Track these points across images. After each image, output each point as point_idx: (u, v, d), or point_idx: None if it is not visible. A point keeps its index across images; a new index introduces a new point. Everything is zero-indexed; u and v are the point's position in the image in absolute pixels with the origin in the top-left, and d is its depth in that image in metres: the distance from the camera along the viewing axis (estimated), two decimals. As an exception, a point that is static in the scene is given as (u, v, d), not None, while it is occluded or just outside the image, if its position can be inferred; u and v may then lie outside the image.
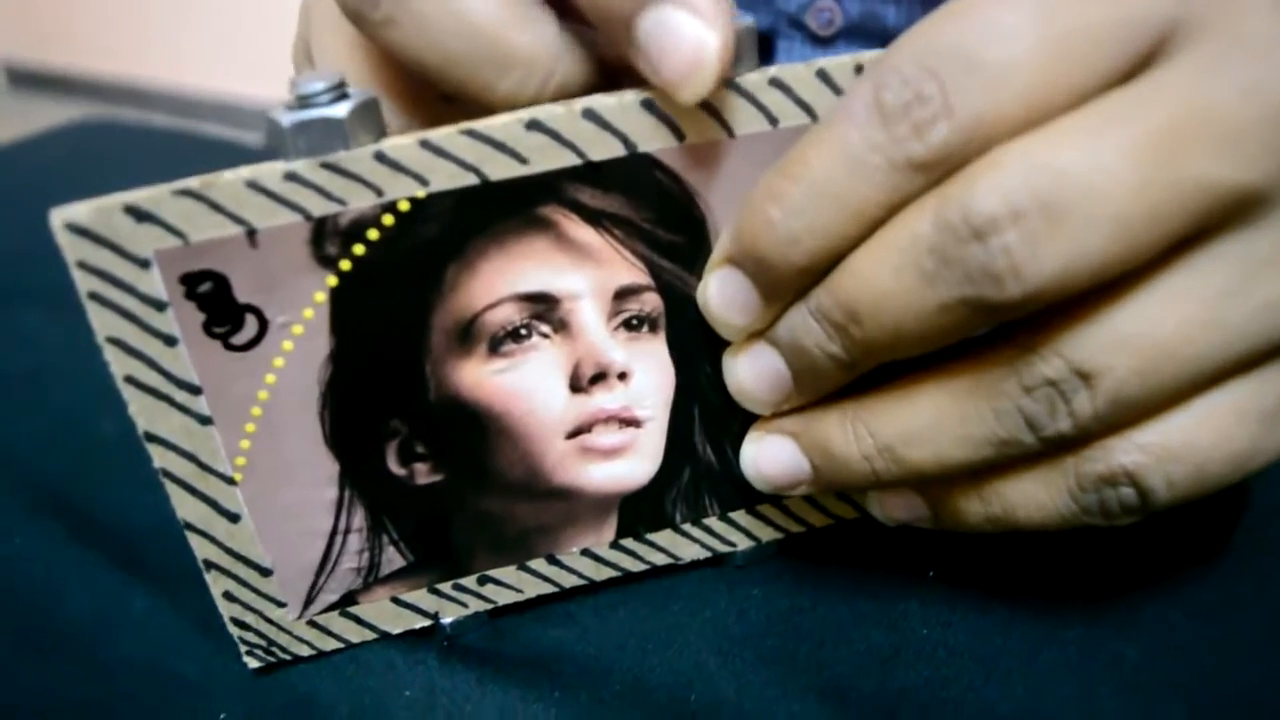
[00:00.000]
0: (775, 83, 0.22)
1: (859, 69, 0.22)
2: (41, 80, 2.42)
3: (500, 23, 0.22)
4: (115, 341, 0.21)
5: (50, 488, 0.33)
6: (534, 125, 0.22)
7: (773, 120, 0.23)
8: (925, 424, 0.22)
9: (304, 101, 0.21)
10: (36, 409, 0.37)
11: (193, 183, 0.20)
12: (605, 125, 0.22)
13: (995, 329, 0.21)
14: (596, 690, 0.25)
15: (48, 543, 0.31)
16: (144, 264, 0.21)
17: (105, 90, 2.33)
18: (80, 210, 0.20)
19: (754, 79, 0.22)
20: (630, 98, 0.22)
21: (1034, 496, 0.22)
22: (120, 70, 2.32)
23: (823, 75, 0.22)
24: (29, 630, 0.28)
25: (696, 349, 0.25)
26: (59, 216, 0.20)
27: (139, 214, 0.20)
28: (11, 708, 0.26)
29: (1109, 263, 0.19)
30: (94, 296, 0.21)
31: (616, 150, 0.22)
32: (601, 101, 0.22)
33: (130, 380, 0.22)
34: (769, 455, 0.25)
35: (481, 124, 0.21)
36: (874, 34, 0.36)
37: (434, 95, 0.25)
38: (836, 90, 0.23)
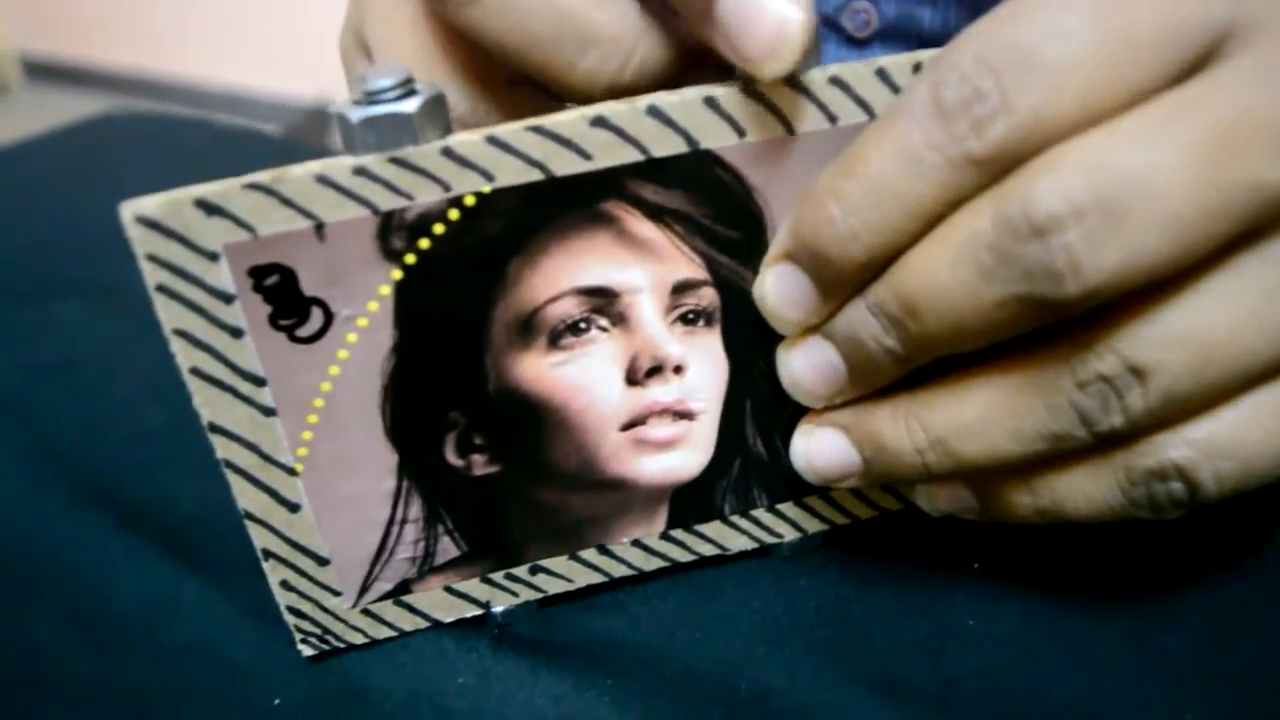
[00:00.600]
0: (835, 81, 0.23)
1: (917, 68, 0.23)
2: (57, 72, 2.42)
3: (584, 1, 0.22)
4: (182, 334, 0.22)
5: (94, 477, 0.33)
6: (599, 122, 0.22)
7: (832, 118, 0.23)
8: (978, 418, 0.22)
9: (372, 97, 0.21)
10: (76, 400, 0.37)
11: (262, 176, 0.21)
12: (668, 122, 0.22)
13: (1048, 325, 0.21)
14: (649, 678, 0.25)
15: (95, 531, 0.31)
16: (213, 257, 0.21)
17: (121, 82, 2.33)
18: (151, 203, 0.20)
19: (815, 77, 0.22)
20: (693, 95, 0.22)
21: (1083, 490, 0.23)
22: (136, 62, 2.32)
23: (882, 74, 0.23)
24: (81, 617, 0.28)
25: (751, 343, 0.25)
26: (129, 209, 0.21)
27: (209, 207, 0.21)
28: (66, 693, 0.26)
29: (1165, 261, 0.19)
30: (162, 289, 0.21)
31: (679, 147, 0.23)
32: (665, 99, 0.22)
33: (195, 372, 0.22)
34: (820, 448, 0.25)
35: (548, 120, 0.22)
36: (909, 36, 0.36)
37: (499, 78, 0.25)
38: (895, 89, 0.23)
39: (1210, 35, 0.20)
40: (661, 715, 0.25)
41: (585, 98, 0.23)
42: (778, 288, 0.23)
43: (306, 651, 0.26)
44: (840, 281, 0.22)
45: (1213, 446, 0.21)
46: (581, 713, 0.25)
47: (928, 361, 0.22)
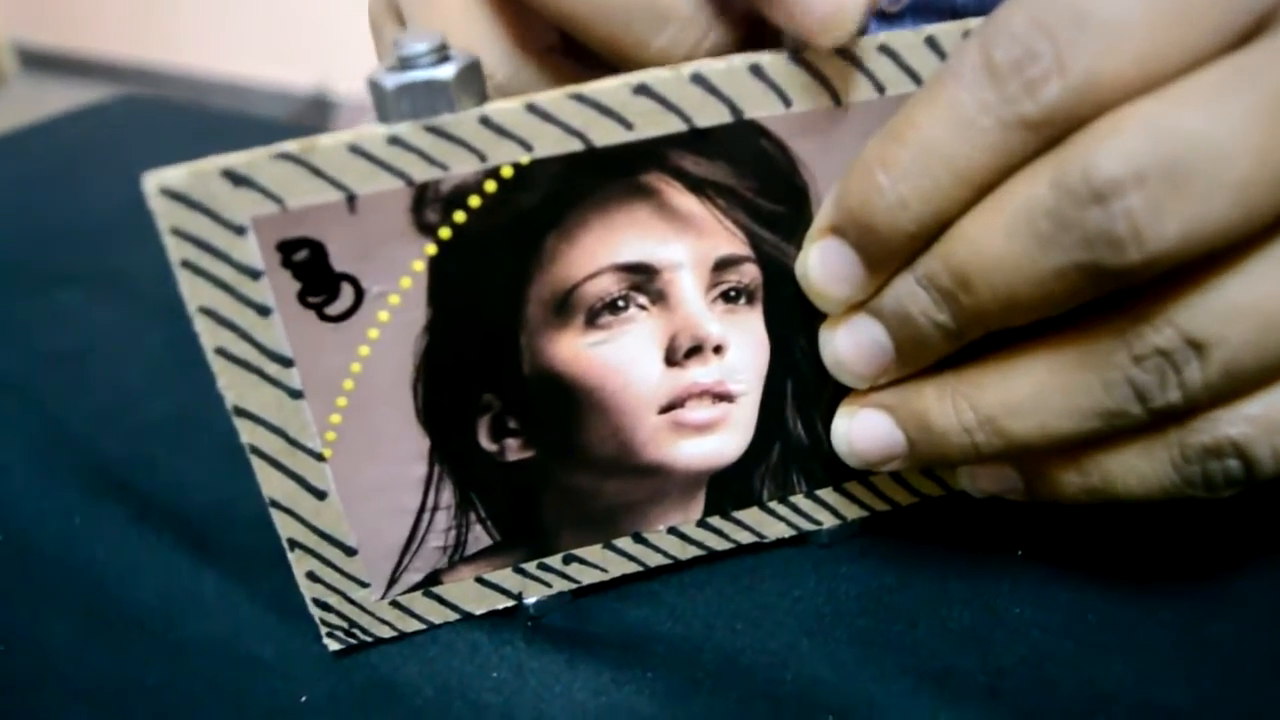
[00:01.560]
0: (884, 49, 0.22)
1: (966, 35, 0.22)
2: (53, 63, 2.41)
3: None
4: (207, 312, 0.21)
5: (107, 468, 0.33)
6: (642, 89, 0.21)
7: (880, 88, 0.22)
8: (1030, 395, 0.21)
9: (406, 63, 0.20)
10: (86, 389, 0.37)
11: (292, 146, 0.20)
12: (713, 90, 0.21)
13: (1101, 299, 0.20)
14: (689, 671, 0.24)
15: (109, 523, 0.30)
16: (240, 230, 0.20)
17: (117, 72, 2.32)
18: (176, 174, 0.20)
19: (864, 45, 0.22)
20: (739, 62, 0.21)
21: (1135, 468, 0.22)
22: (132, 52, 2.31)
23: (931, 42, 0.22)
24: (98, 613, 0.28)
25: (793, 322, 0.24)
26: (153, 181, 0.20)
27: (236, 178, 0.20)
28: (85, 691, 0.25)
29: (1230, 229, 0.19)
30: (187, 265, 0.20)
31: (723, 116, 0.22)
32: (710, 66, 0.21)
33: (221, 352, 0.21)
34: (863, 430, 0.24)
35: (589, 88, 0.21)
36: (942, 10, 0.35)
37: (542, 45, 0.24)
38: (944, 58, 0.22)
39: (1267, 0, 0.19)
40: (704, 708, 0.24)
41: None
42: (822, 263, 0.23)
43: (332, 646, 0.25)
44: (888, 254, 0.21)
45: (1271, 422, 0.20)
46: (622, 706, 0.24)
47: (979, 337, 0.22)
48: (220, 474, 0.32)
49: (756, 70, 0.21)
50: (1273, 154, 0.18)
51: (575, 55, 0.24)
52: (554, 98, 0.21)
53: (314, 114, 2.00)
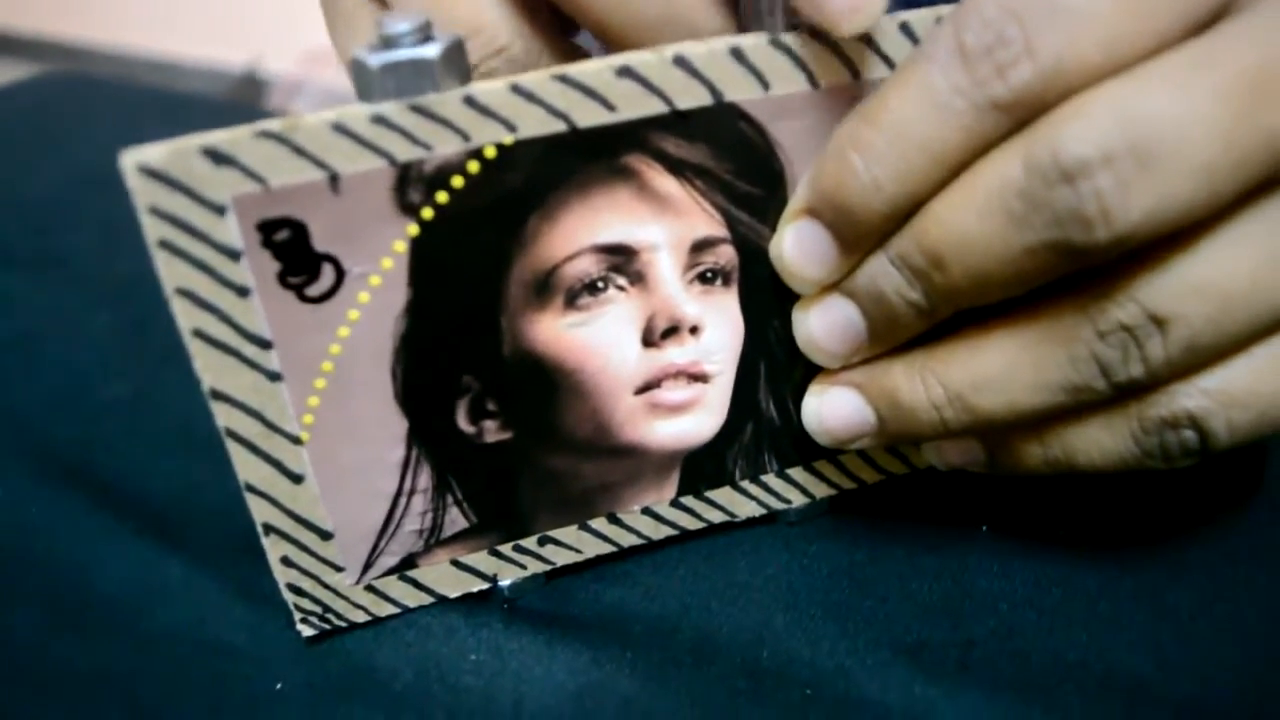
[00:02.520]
0: (860, 35, 0.22)
1: (939, 20, 0.22)
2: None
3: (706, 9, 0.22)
4: (185, 293, 0.20)
5: (61, 455, 0.32)
6: (625, 72, 0.21)
7: (855, 73, 0.22)
8: (997, 371, 0.22)
9: (389, 42, 0.20)
10: (34, 374, 0.36)
11: (274, 124, 0.19)
12: (694, 73, 0.21)
13: (1066, 276, 0.21)
14: (668, 649, 0.25)
15: (68, 512, 0.30)
16: (220, 210, 0.20)
17: (44, 49, 2.25)
18: (155, 152, 0.19)
19: None
20: (719, 45, 0.21)
21: (1096, 441, 0.23)
22: (60, 29, 2.24)
23: (905, 28, 0.22)
24: (61, 603, 0.27)
25: (767, 303, 0.25)
26: (131, 159, 0.19)
27: (217, 156, 0.19)
28: (51, 683, 0.25)
29: (1195, 208, 0.19)
30: (164, 244, 0.20)
31: (703, 99, 0.22)
32: (692, 49, 0.21)
33: (198, 334, 0.21)
34: (833, 407, 0.24)
35: (574, 69, 0.21)
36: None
37: (555, 23, 0.25)
38: (918, 43, 0.22)
39: None
40: (684, 686, 0.24)
41: None
42: (797, 244, 0.23)
43: (306, 631, 0.25)
44: (862, 235, 0.22)
45: (1227, 395, 0.21)
46: (602, 685, 0.24)
47: (949, 315, 0.22)
48: (179, 459, 0.31)
49: (737, 54, 0.22)
50: (1235, 135, 0.19)
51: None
52: (538, 79, 0.21)
53: (246, 92, 1.96)
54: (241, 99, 1.88)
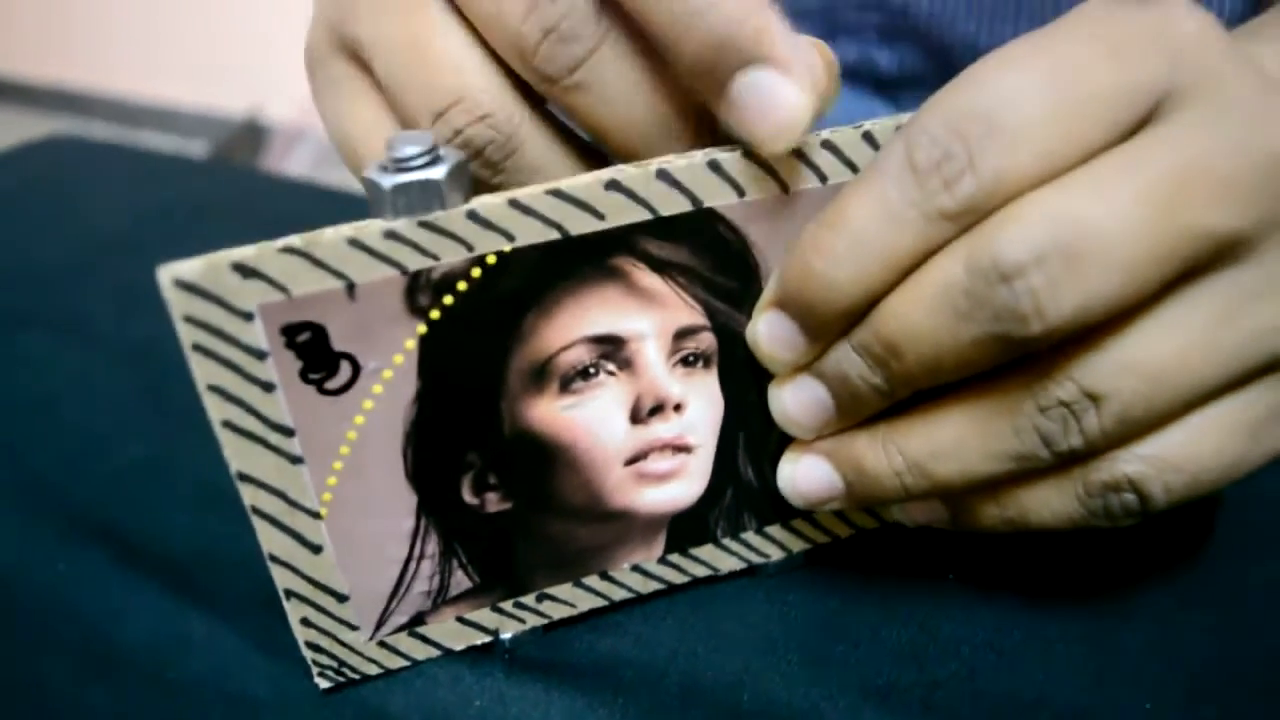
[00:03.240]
0: (826, 145, 0.24)
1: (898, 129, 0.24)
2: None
3: (683, 113, 0.24)
4: (216, 389, 0.23)
5: (85, 513, 0.34)
6: (613, 185, 0.23)
7: (823, 178, 0.25)
8: (951, 441, 0.24)
9: (400, 165, 0.22)
10: (58, 435, 0.38)
11: (296, 240, 0.22)
12: (675, 184, 0.24)
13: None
14: (656, 695, 0.27)
15: (94, 568, 0.31)
16: (248, 317, 0.22)
17: (44, 97, 2.24)
18: (189, 267, 0.21)
19: (808, 141, 0.24)
20: (699, 159, 0.24)
21: (1046, 502, 0.25)
22: (61, 77, 2.23)
23: (868, 137, 0.25)
24: (90, 655, 0.29)
25: (744, 381, 0.27)
26: (167, 274, 0.21)
27: (245, 270, 0.22)
28: (86, 733, 0.27)
29: (1120, 300, 0.21)
30: (198, 348, 0.22)
31: (684, 206, 0.24)
32: (674, 163, 0.24)
33: (227, 425, 0.23)
34: (805, 474, 0.27)
35: (565, 184, 0.23)
36: (867, 77, 0.38)
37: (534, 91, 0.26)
38: (878, 149, 0.25)
39: (1154, 95, 0.22)
40: (672, 730, 0.26)
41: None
42: (769, 332, 0.25)
43: (323, 684, 0.27)
44: (825, 327, 0.24)
45: (1162, 461, 0.23)
46: (597, 730, 0.26)
47: (908, 395, 0.24)
48: (198, 517, 0.33)
49: (714, 166, 0.24)
50: (1155, 233, 0.21)
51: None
52: (533, 194, 0.23)
53: (247, 140, 1.96)
54: (241, 150, 1.88)
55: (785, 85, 0.22)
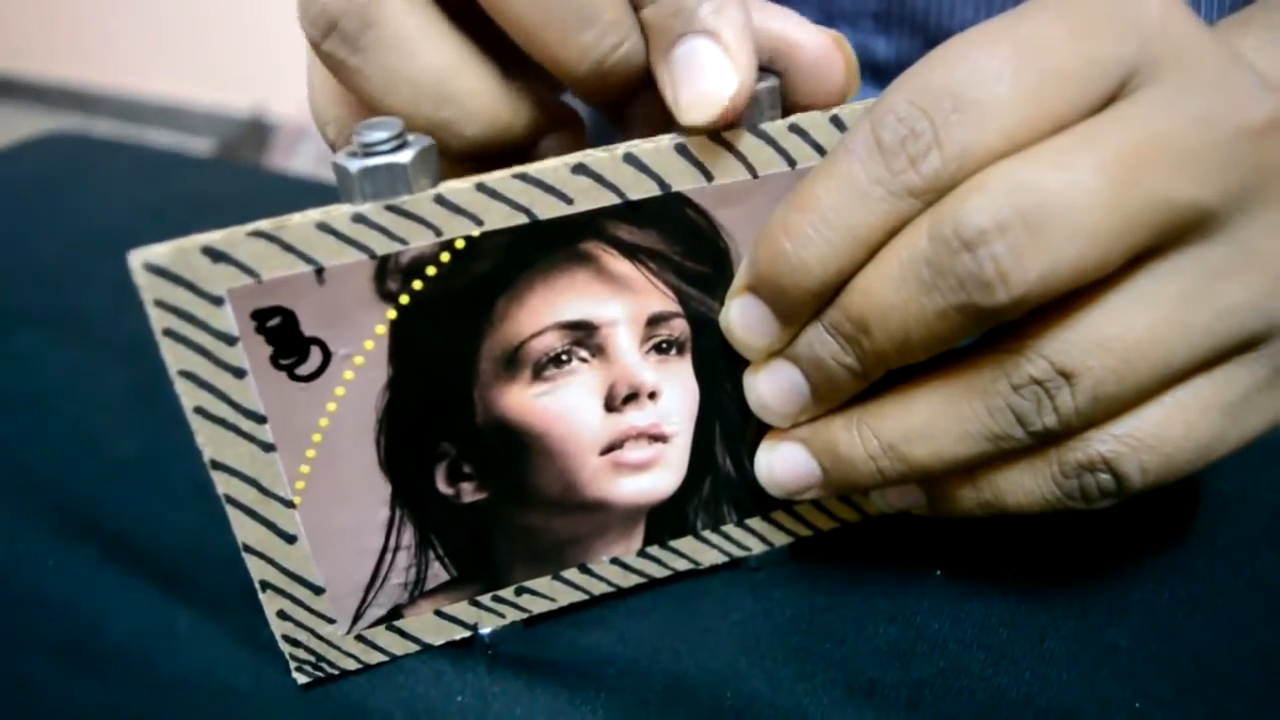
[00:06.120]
0: (794, 129, 0.24)
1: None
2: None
3: None
4: (187, 375, 0.23)
5: (76, 509, 0.34)
6: (580, 169, 0.23)
7: (791, 162, 0.25)
8: (925, 422, 0.24)
9: (368, 149, 0.22)
10: (49, 431, 0.38)
11: (265, 224, 0.22)
12: (643, 168, 0.24)
13: (984, 336, 0.23)
14: (639, 691, 0.27)
15: (82, 564, 0.32)
16: (218, 301, 0.22)
17: (49, 94, 2.27)
18: (159, 251, 0.21)
19: (776, 126, 0.24)
20: (666, 142, 0.24)
21: (1021, 484, 0.25)
22: (65, 74, 2.26)
23: (835, 120, 0.25)
24: (77, 649, 0.29)
25: (719, 369, 0.27)
26: (137, 258, 0.21)
27: (215, 254, 0.22)
28: (70, 724, 0.27)
29: (1084, 269, 0.21)
30: (169, 333, 0.22)
31: (652, 190, 0.24)
32: (640, 146, 0.24)
33: (199, 411, 0.23)
34: (782, 461, 0.27)
35: (533, 168, 0.23)
36: (864, 66, 0.38)
37: (535, 90, 0.26)
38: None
39: (1120, 71, 0.22)
40: (653, 725, 0.26)
41: (570, 77, 0.24)
42: (742, 317, 0.25)
43: (301, 679, 0.27)
44: (797, 309, 0.24)
45: (1137, 440, 0.23)
46: (577, 726, 0.26)
47: (882, 374, 0.24)
48: (186, 514, 0.33)
49: (682, 149, 0.24)
50: (1118, 204, 0.21)
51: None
52: (500, 178, 0.23)
53: (251, 137, 1.98)
54: (247, 147, 1.89)
55: (720, 61, 0.23)
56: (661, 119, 0.24)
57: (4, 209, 0.57)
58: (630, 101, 0.26)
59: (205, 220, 0.53)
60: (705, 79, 0.23)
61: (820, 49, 0.25)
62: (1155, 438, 0.23)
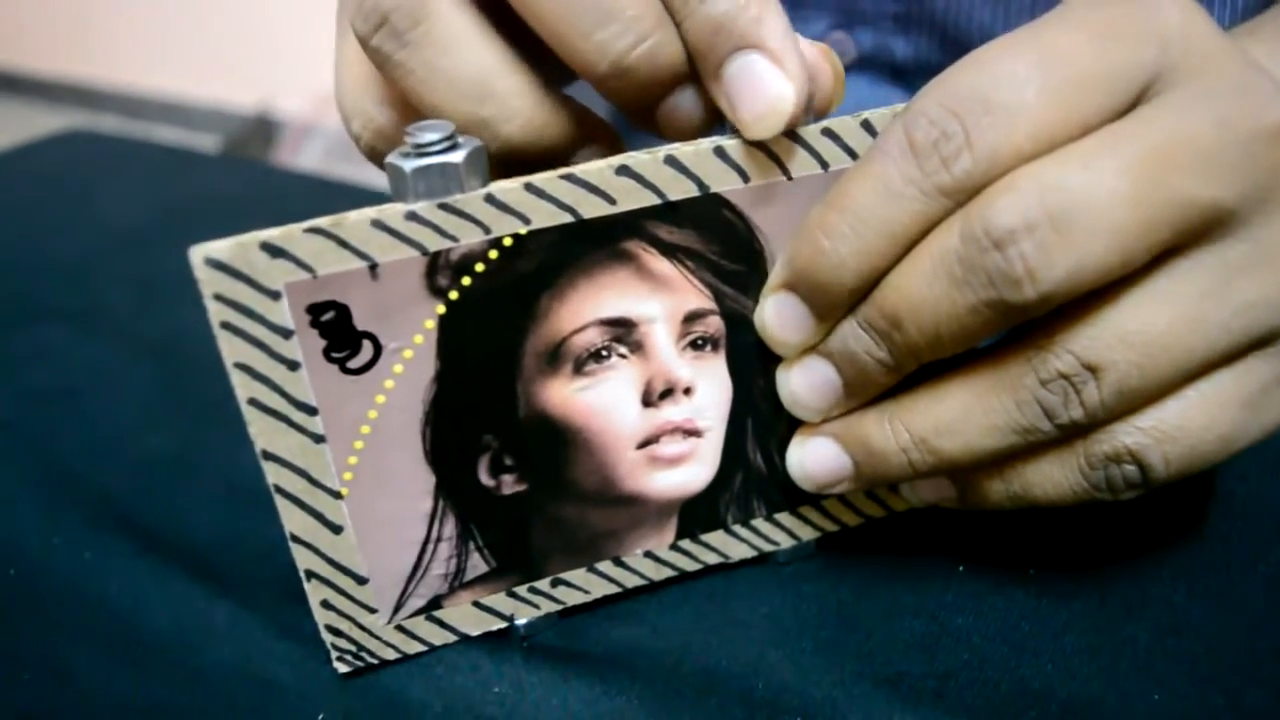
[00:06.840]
0: (827, 132, 0.25)
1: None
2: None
3: None
4: (242, 367, 0.23)
5: (110, 503, 0.35)
6: (623, 170, 0.24)
7: (824, 164, 0.26)
8: (955, 416, 0.25)
9: (421, 150, 0.23)
10: (81, 426, 0.39)
11: (323, 222, 0.22)
12: (683, 169, 0.25)
13: (1012, 332, 0.24)
14: (672, 682, 0.27)
15: (118, 557, 0.32)
16: (275, 295, 0.23)
17: (56, 90, 2.27)
18: (220, 246, 0.22)
19: (810, 130, 0.25)
20: (705, 146, 0.25)
21: (1049, 476, 0.26)
22: (71, 70, 2.25)
23: (866, 125, 0.26)
24: (115, 642, 0.30)
25: (752, 365, 0.27)
26: (198, 253, 0.22)
27: (273, 250, 0.22)
28: (109, 716, 0.28)
29: (1108, 267, 0.22)
30: (226, 326, 0.23)
31: (691, 191, 0.25)
32: (681, 149, 0.24)
33: (253, 402, 0.24)
34: (814, 455, 0.27)
35: (578, 169, 0.24)
36: (884, 65, 0.39)
37: (559, 92, 0.27)
38: (876, 136, 0.25)
39: (1142, 78, 0.23)
40: (687, 715, 0.26)
41: (591, 74, 0.25)
42: (777, 314, 0.26)
43: (342, 669, 0.28)
44: (832, 305, 0.25)
45: (1161, 432, 0.24)
46: (613, 715, 0.26)
47: (915, 369, 0.25)
48: (220, 507, 0.34)
49: (720, 152, 0.25)
50: (1141, 204, 0.22)
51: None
52: (548, 178, 0.24)
53: (258, 134, 1.97)
54: (253, 145, 1.89)
55: (774, 72, 0.23)
56: (692, 122, 0.25)
57: (24, 206, 0.58)
58: (658, 101, 0.26)
59: (221, 216, 0.54)
60: (762, 96, 0.24)
61: (812, 61, 0.26)
62: (1178, 429, 0.24)
